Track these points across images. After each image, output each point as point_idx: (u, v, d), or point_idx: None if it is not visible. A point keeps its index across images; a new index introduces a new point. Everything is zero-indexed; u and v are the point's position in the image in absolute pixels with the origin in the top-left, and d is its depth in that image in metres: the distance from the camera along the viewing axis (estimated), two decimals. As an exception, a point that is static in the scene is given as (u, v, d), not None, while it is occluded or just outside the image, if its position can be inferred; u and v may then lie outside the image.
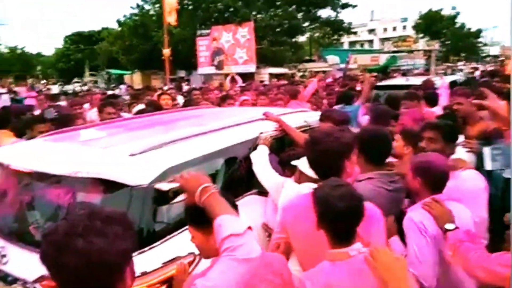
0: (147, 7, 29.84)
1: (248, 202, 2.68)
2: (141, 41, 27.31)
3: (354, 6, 30.57)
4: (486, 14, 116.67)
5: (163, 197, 2.06)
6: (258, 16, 27.29)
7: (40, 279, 1.96)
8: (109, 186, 2.10)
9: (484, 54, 52.70)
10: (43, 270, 1.07)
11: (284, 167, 2.82)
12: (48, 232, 1.07)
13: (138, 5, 29.63)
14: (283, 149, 3.12)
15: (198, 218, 1.58)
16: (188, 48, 24.31)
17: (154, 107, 5.09)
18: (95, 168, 2.16)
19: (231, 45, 22.06)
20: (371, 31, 72.73)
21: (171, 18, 15.46)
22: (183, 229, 2.09)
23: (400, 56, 29.41)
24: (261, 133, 3.00)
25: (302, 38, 35.27)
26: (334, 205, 1.64)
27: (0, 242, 2.32)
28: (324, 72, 24.01)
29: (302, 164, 2.40)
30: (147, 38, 26.91)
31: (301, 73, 27.05)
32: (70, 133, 3.16)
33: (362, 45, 67.59)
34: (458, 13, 50.10)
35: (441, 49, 44.00)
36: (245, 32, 21.64)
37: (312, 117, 3.83)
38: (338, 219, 1.65)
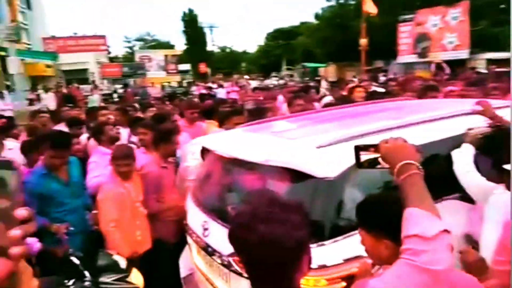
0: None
1: (448, 207, 2.42)
2: (337, 33, 27.82)
3: None
4: None
5: (352, 193, 2.09)
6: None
7: (233, 254, 2.15)
8: (296, 176, 2.22)
9: None
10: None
11: (498, 171, 2.44)
12: (235, 215, 1.23)
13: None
14: (498, 149, 2.69)
15: (370, 219, 1.52)
16: (387, 36, 23.45)
17: (343, 101, 5.13)
18: (284, 157, 2.32)
19: (439, 29, 20.31)
20: None
21: (370, 7, 15.26)
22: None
23: None
24: (469, 129, 2.65)
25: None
26: None
27: (204, 217, 2.76)
28: None
29: None
30: (343, 29, 27.25)
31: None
32: (265, 124, 3.48)
33: None
34: None
35: None
36: (457, 13, 19.59)
37: None
38: None
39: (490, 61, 20.59)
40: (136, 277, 2.76)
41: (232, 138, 3.12)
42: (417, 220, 1.25)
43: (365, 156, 1.46)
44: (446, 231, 1.22)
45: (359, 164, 1.47)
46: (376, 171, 1.51)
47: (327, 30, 29.33)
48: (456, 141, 2.60)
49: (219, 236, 2.49)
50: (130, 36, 57.91)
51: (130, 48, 54.30)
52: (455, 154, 2.52)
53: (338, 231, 2.13)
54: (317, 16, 33.91)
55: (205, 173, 3.17)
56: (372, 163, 1.44)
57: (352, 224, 2.15)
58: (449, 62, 18.90)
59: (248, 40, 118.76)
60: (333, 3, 30.76)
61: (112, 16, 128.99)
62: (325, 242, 2.07)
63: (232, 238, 1.19)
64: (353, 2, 29.01)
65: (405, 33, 21.67)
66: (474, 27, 21.67)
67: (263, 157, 2.38)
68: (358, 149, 1.46)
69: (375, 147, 1.43)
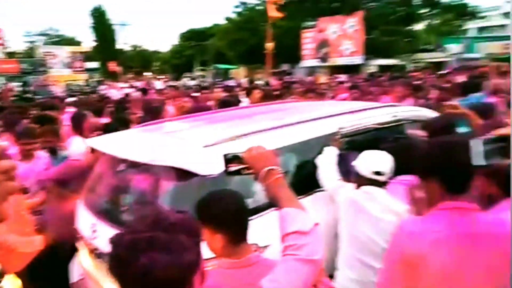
0: (254, 1, 30.85)
1: (316, 199, 2.65)
2: (247, 36, 28.36)
3: (483, -14, 27.54)
4: None
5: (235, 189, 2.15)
6: (370, 5, 26.22)
7: None
8: (182, 174, 2.28)
9: None
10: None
11: (346, 171, 2.71)
12: (113, 243, 1.06)
13: (242, 3, 30.77)
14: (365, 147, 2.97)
15: (205, 215, 1.57)
16: (293, 41, 24.51)
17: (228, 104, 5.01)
18: (170, 157, 2.36)
19: (338, 37, 21.67)
20: (506, 14, 64.56)
21: (275, 12, 15.78)
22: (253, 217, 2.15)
23: (540, 43, 25.59)
24: (340, 128, 2.91)
25: (417, 27, 32.92)
26: None
27: (93, 219, 2.66)
28: (440, 63, 22.13)
29: (361, 164, 2.34)
30: (253, 32, 27.85)
31: (414, 65, 25.31)
32: (160, 124, 3.47)
33: (493, 31, 60.48)
34: None
35: None
36: (353, 22, 21.05)
37: (405, 111, 3.58)
38: None
39: (380, 67, 22.55)
40: (11, 283, 2.55)
41: (124, 139, 3.04)
42: (294, 218, 1.35)
43: (233, 168, 1.56)
44: (316, 224, 1.34)
45: (228, 172, 1.57)
46: None
47: (238, 33, 29.74)
48: (328, 139, 2.84)
49: (107, 238, 2.42)
50: (31, 31, 53.15)
51: (31, 43, 49.78)
52: (320, 157, 2.72)
53: None
54: (228, 19, 34.18)
55: (95, 175, 3.05)
56: (239, 171, 1.55)
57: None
58: (346, 67, 20.34)
59: (161, 39, 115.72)
60: (241, 8, 31.22)
61: (11, 7, 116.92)
62: None
63: (112, 272, 1.04)
64: (261, 8, 29.76)
65: (308, 39, 22.77)
66: (368, 35, 23.53)
67: (148, 157, 2.39)
68: (226, 160, 1.56)
69: (239, 159, 1.54)
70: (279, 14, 16.61)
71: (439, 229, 1.54)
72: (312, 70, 22.53)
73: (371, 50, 23.78)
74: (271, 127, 2.74)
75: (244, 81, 18.86)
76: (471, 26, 47.46)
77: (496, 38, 38.04)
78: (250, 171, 1.52)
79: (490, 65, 9.14)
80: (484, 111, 3.22)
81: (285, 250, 1.30)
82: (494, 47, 27.14)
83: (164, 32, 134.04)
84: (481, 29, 57.25)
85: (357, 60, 20.96)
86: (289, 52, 25.09)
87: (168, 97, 8.00)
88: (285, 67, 28.38)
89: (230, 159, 1.55)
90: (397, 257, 1.58)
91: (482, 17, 35.41)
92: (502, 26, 61.47)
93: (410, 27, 29.68)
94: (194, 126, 3.36)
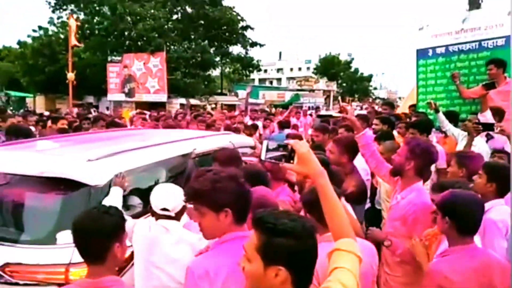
0: (53, 28, 28.51)
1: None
2: (46, 63, 25.86)
3: (262, 45, 32.82)
4: (376, 62, 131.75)
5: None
6: (172, 47, 27.78)
7: (4, 266, 2.29)
8: (70, 185, 2.49)
9: (374, 97, 59.35)
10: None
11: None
12: None
13: (40, 27, 28.06)
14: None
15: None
16: (98, 74, 23.72)
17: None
18: (59, 169, 2.52)
19: (143, 74, 22.07)
20: (279, 70, 77.52)
21: (76, 41, 15.20)
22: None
23: (303, 94, 31.97)
24: (194, 149, 3.46)
25: (215, 72, 36.48)
26: None
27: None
28: (233, 105, 25.08)
29: (151, 200, 2.44)
30: (53, 60, 25.61)
31: (212, 105, 27.86)
32: (27, 144, 3.47)
33: (271, 82, 71.51)
34: (353, 59, 56.31)
35: (338, 90, 48.72)
36: (157, 62, 21.86)
37: (237, 138, 4.50)
38: None
39: (183, 106, 23.99)
40: None
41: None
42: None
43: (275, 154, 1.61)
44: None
45: (271, 158, 1.62)
46: None
47: (34, 59, 26.71)
48: (187, 157, 3.39)
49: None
50: None
51: None
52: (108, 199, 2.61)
53: None
54: (20, 43, 30.23)
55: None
56: (281, 158, 1.59)
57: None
58: (153, 104, 20.90)
59: None
60: (37, 34, 28.22)
61: None
62: None
63: None
64: (62, 36, 27.74)
65: (114, 73, 22.41)
66: (171, 76, 24.78)
67: (37, 170, 2.52)
68: (268, 149, 1.62)
69: (284, 148, 1.60)
70: (79, 44, 16.08)
71: (228, 263, 1.55)
72: (118, 104, 22.19)
73: (174, 89, 25.12)
74: (142, 146, 3.18)
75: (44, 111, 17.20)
76: (255, 76, 55.17)
77: (272, 88, 45.18)
78: (292, 162, 1.53)
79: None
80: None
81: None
82: (272, 95, 32.40)
83: None
84: (262, 80, 67.16)
85: (162, 98, 21.78)
86: (95, 84, 24.11)
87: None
88: (89, 99, 26.95)
89: (274, 148, 1.60)
90: None
91: (264, 70, 41.56)
92: (278, 79, 73.55)
93: (208, 72, 32.65)
94: (64, 146, 3.45)
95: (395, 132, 5.03)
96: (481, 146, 4.25)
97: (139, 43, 26.95)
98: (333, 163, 3.13)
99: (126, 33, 27.25)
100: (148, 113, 15.15)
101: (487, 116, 4.35)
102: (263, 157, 1.62)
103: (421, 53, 5.99)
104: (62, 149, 3.25)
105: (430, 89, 5.92)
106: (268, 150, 1.60)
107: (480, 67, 5.21)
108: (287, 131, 8.10)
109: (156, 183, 2.87)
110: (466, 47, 5.45)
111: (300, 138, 4.98)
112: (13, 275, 2.29)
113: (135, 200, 2.85)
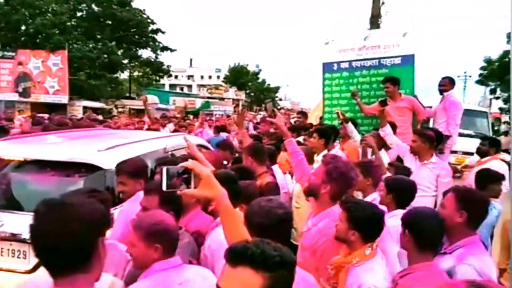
0: None
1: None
2: None
3: (173, 50, 31.81)
4: (282, 74, 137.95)
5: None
6: (75, 46, 25.41)
7: None
8: (87, 169, 3.11)
9: (279, 107, 61.73)
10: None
11: None
12: None
13: None
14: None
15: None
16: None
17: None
18: (83, 156, 3.19)
19: (41, 72, 19.89)
20: (190, 76, 76.43)
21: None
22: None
23: (213, 102, 31.84)
24: (164, 148, 3.99)
25: (123, 75, 34.43)
26: None
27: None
28: (141, 110, 23.79)
29: None
30: None
31: (120, 110, 26.16)
32: (26, 139, 4.10)
33: (182, 88, 70.11)
34: (260, 70, 58.03)
35: (246, 99, 49.63)
36: (57, 60, 19.91)
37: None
38: None
39: (86, 109, 22.10)
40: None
41: (18, 145, 3.63)
42: None
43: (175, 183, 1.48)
44: None
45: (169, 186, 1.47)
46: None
47: None
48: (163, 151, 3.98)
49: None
50: None
51: None
52: None
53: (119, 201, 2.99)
54: None
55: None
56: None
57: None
58: (53, 105, 18.85)
59: None
60: None
61: None
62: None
63: None
64: None
65: (6, 70, 19.79)
66: (73, 76, 22.67)
67: (67, 156, 3.13)
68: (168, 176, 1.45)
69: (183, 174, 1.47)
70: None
71: None
72: (10, 104, 19.56)
73: (77, 90, 23.04)
74: (131, 141, 3.80)
75: None
76: (166, 82, 53.56)
77: (183, 94, 44.25)
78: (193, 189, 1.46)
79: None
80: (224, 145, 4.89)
81: None
82: (182, 101, 31.58)
83: None
84: (172, 86, 65.48)
85: (63, 99, 19.80)
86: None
87: None
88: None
89: (175, 173, 1.45)
90: None
91: (175, 76, 40.51)
92: (189, 86, 72.44)
93: (116, 75, 30.65)
94: (67, 139, 4.20)
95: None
96: (382, 158, 4.41)
97: (37, 40, 24.18)
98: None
99: (22, 27, 24.30)
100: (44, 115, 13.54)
101: (386, 131, 4.52)
102: (164, 187, 1.44)
103: (327, 67, 6.13)
104: (69, 142, 4.03)
105: (335, 101, 6.07)
106: (169, 177, 1.44)
107: (379, 83, 5.47)
108: (223, 134, 8.37)
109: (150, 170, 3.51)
110: (367, 64, 5.70)
111: (231, 145, 5.16)
112: None
113: None
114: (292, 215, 2.35)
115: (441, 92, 5.38)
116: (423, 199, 3.48)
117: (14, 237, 2.77)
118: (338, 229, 2.16)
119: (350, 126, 4.98)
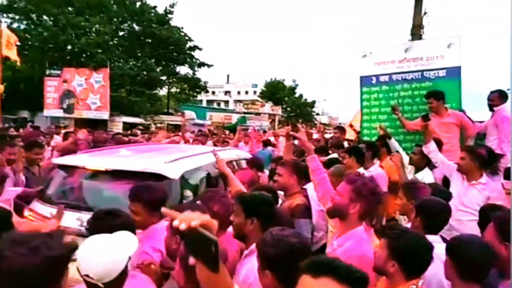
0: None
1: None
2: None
3: (210, 66, 32.33)
4: (319, 89, 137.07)
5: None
6: (116, 64, 26.48)
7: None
8: (158, 178, 3.39)
9: (316, 122, 61.08)
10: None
11: None
12: None
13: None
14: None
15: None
16: (34, 88, 21.93)
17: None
18: (154, 167, 3.55)
19: (84, 89, 20.74)
20: (227, 92, 77.66)
21: (10, 53, 13.80)
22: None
23: (249, 117, 31.98)
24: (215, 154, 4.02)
25: (162, 92, 35.42)
26: None
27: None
28: (178, 125, 24.24)
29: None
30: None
31: (158, 125, 26.83)
32: (109, 150, 4.83)
33: (219, 104, 71.24)
34: (297, 85, 57.77)
35: (283, 114, 49.54)
36: (100, 77, 20.70)
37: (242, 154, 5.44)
38: None
39: (125, 123, 22.81)
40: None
41: (97, 158, 4.10)
42: None
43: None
44: None
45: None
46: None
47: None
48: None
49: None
50: None
51: None
52: None
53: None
54: None
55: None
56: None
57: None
58: (94, 121, 19.59)
59: None
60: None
61: None
62: None
63: None
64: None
65: (52, 87, 20.85)
66: (115, 93, 23.52)
67: (142, 166, 3.55)
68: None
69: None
70: (14, 56, 14.57)
71: None
72: (56, 120, 20.53)
73: (118, 107, 23.84)
74: (190, 155, 4.27)
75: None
76: (203, 97, 54.65)
77: (220, 110, 44.86)
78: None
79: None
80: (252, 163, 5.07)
81: None
82: (218, 117, 31.95)
83: None
84: (209, 101, 66.72)
85: (104, 115, 20.53)
86: (30, 99, 22.26)
87: None
88: (24, 114, 24.81)
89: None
90: None
91: (212, 92, 41.20)
92: (226, 101, 73.60)
93: (154, 91, 31.57)
94: (134, 154, 4.55)
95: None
96: (426, 177, 4.08)
97: (81, 58, 25.42)
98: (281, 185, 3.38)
99: (68, 46, 25.67)
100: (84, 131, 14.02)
101: (430, 148, 4.20)
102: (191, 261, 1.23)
103: (365, 80, 5.86)
104: (138, 155, 4.43)
105: (374, 117, 5.78)
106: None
107: (423, 97, 5.13)
108: (270, 148, 9.40)
109: (208, 180, 4.07)
110: (409, 76, 5.39)
111: (259, 163, 5.19)
112: None
113: (188, 193, 3.68)
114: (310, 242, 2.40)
115: (491, 107, 4.96)
116: (471, 224, 3.15)
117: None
118: (377, 257, 1.98)
119: (393, 142, 4.69)
